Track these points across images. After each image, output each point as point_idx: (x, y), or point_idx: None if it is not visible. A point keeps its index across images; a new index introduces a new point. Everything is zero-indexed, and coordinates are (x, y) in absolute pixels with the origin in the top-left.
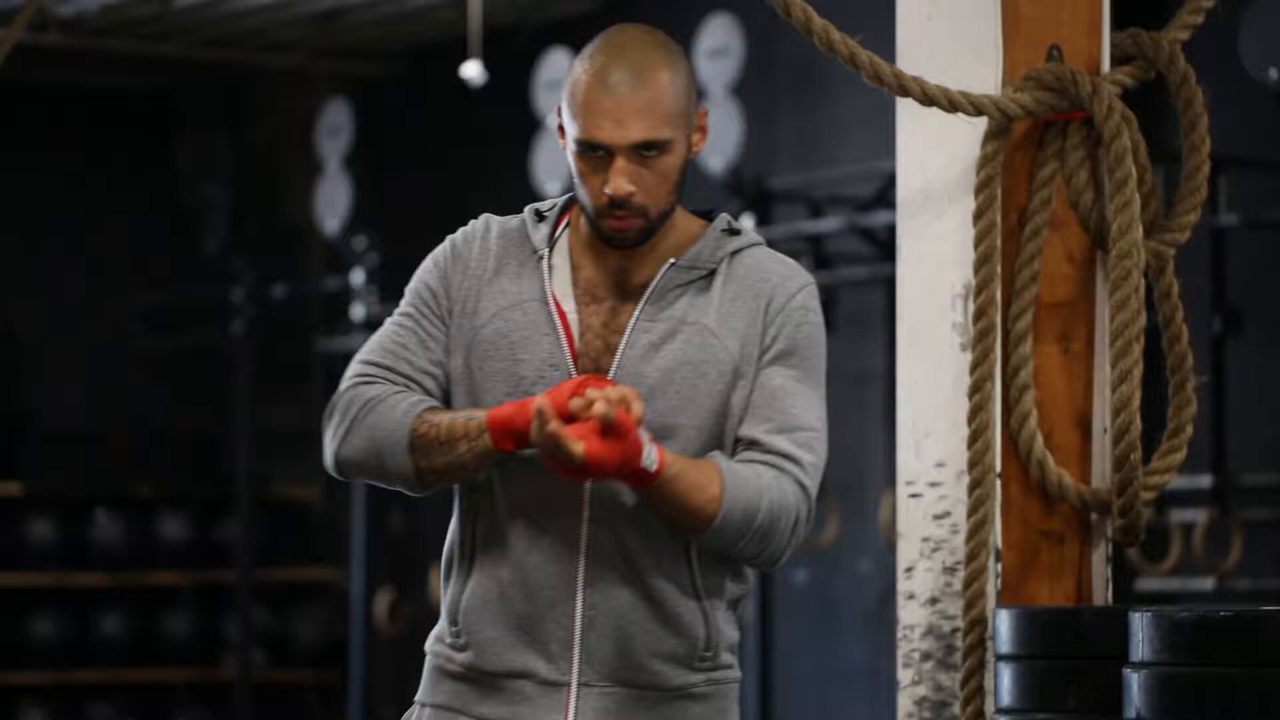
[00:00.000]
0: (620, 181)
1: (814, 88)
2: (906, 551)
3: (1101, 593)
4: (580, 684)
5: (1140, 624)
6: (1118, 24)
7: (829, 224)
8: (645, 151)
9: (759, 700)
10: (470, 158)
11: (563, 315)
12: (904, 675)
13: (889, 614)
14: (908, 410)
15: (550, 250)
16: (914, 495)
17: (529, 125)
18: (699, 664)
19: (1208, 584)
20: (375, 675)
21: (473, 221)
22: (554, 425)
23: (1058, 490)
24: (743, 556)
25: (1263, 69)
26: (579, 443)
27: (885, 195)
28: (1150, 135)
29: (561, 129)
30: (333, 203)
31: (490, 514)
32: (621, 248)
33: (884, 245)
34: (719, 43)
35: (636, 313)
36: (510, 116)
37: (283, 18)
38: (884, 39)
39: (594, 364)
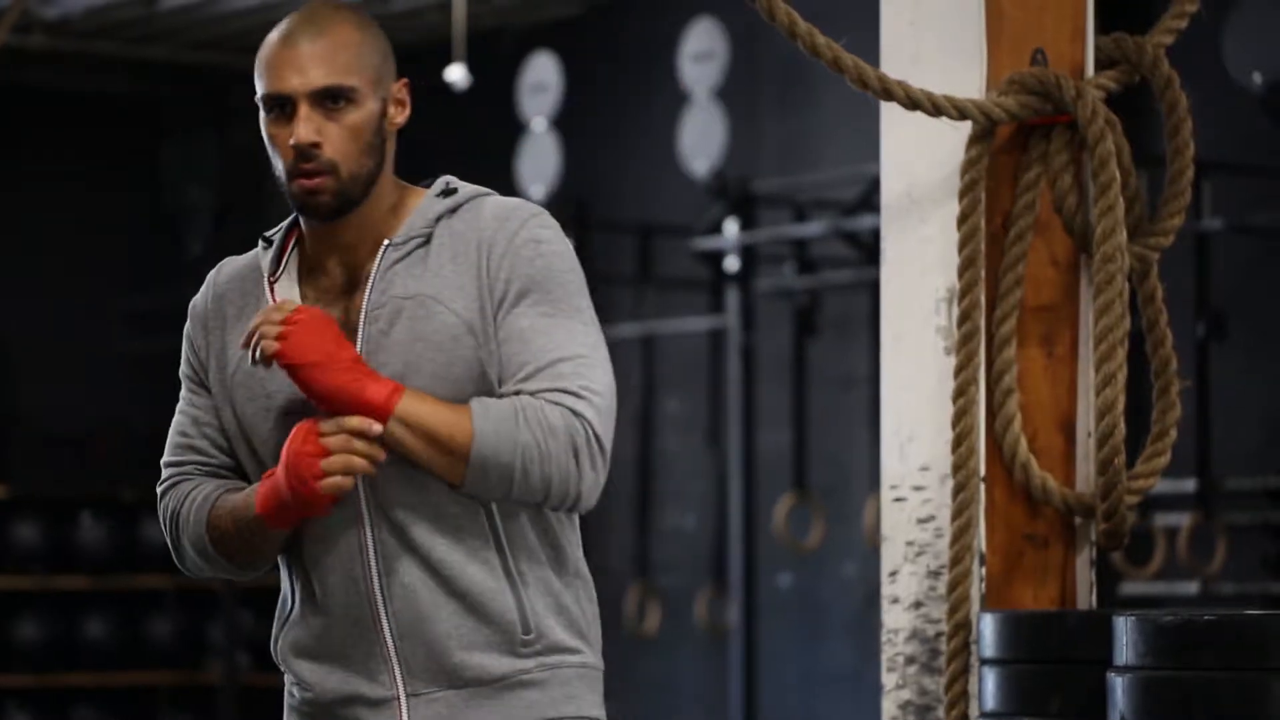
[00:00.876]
0: (302, 130)
1: (798, 91)
2: (891, 555)
3: (1085, 597)
4: (408, 695)
5: (1124, 628)
6: (1102, 28)
7: (813, 228)
8: (330, 102)
9: (744, 704)
10: (454, 161)
11: None
12: (888, 679)
13: (873, 618)
14: (892, 414)
15: (279, 272)
16: (898, 499)
17: (513, 129)
18: (523, 649)
19: (1192, 588)
20: None
21: (209, 274)
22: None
23: (1042, 494)
24: (534, 494)
25: (1246, 73)
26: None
27: (870, 199)
28: (1134, 139)
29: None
30: None
31: (294, 545)
32: (318, 217)
33: (868, 249)
34: (703, 46)
35: (364, 305)
36: (494, 120)
37: (268, 20)
38: (868, 43)
39: None
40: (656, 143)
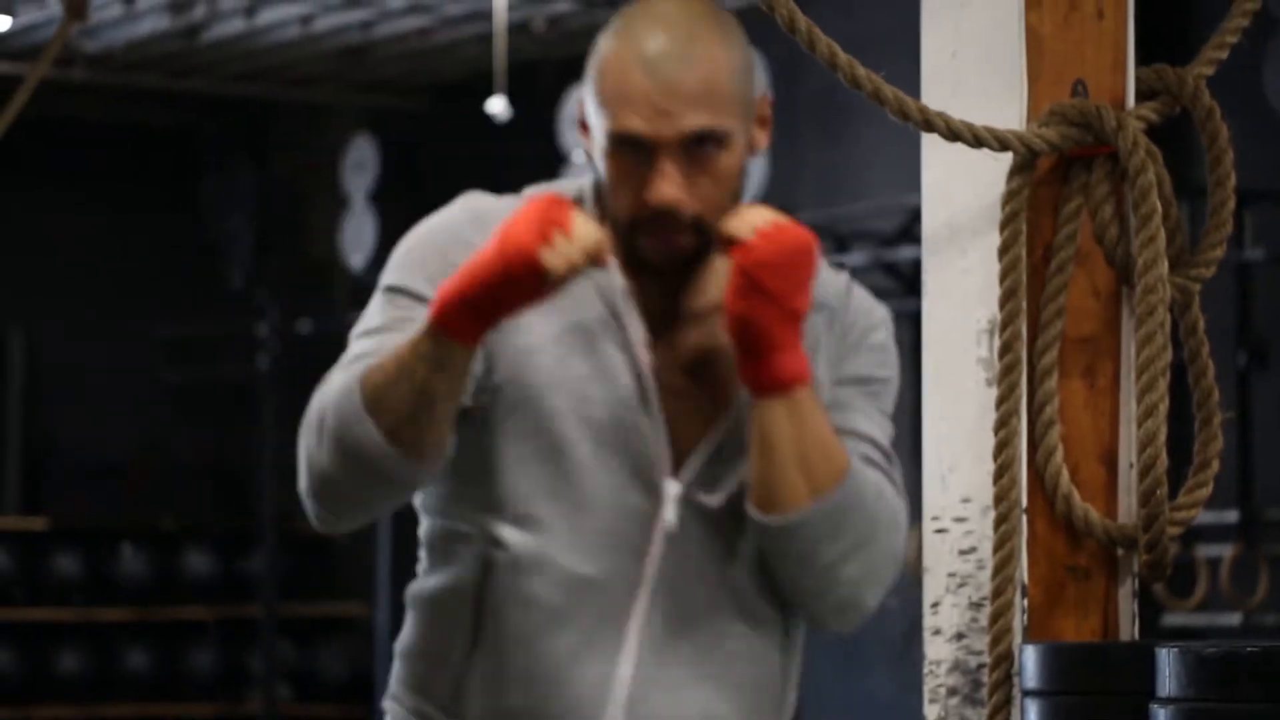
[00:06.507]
0: (665, 187)
1: (838, 123)
2: (932, 587)
3: (1128, 628)
4: None
5: (1167, 659)
6: (1142, 59)
7: (854, 259)
8: (699, 148)
9: None
10: (495, 193)
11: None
12: (930, 711)
13: (915, 649)
14: (933, 445)
15: None
16: (940, 530)
17: (554, 160)
18: None
19: (1234, 619)
20: None
21: (471, 203)
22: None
23: (1084, 525)
24: (841, 582)
25: None
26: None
27: (910, 230)
28: (1175, 170)
29: (585, 126)
30: (358, 238)
31: (503, 565)
32: (662, 272)
33: (909, 280)
34: None
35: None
36: (535, 151)
37: (308, 53)
38: (908, 74)
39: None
40: None
